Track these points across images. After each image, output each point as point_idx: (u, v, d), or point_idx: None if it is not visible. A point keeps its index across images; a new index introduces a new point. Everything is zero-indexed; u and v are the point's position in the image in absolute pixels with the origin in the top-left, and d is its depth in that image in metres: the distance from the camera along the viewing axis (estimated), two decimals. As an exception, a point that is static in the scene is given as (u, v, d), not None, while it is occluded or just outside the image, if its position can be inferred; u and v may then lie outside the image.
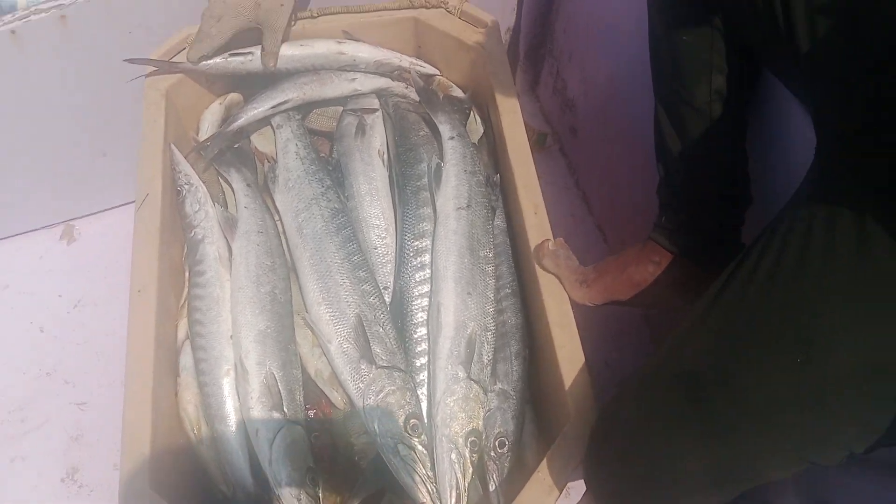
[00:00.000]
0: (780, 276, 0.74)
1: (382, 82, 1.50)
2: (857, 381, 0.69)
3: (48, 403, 1.68)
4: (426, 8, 1.46)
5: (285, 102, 1.41)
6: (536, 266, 1.19)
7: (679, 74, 1.00)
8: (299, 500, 1.06)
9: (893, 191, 0.69)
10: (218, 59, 1.39)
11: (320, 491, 1.10)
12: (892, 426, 0.70)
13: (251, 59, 1.39)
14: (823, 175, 0.79)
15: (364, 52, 1.46)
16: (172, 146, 1.36)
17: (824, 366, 0.70)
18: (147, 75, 1.39)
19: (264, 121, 1.44)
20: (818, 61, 0.79)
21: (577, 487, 1.08)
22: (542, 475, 1.02)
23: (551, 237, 1.20)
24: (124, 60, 1.35)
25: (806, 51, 0.80)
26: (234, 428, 1.14)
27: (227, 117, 1.44)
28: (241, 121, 1.39)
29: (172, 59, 1.40)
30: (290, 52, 1.41)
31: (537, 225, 1.22)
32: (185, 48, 1.42)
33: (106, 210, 1.92)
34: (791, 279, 0.74)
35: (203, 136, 1.43)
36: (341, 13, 1.47)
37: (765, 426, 0.74)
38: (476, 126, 1.45)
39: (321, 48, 1.43)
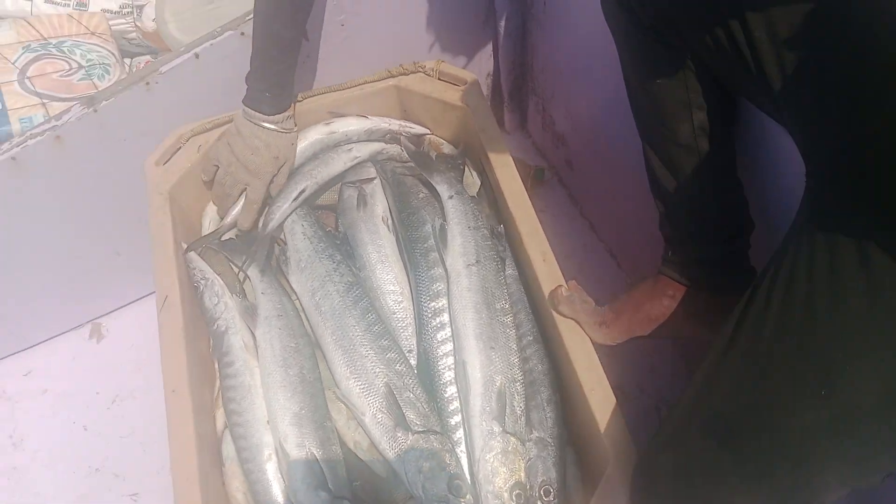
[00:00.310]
0: (791, 313, 0.76)
1: (377, 146, 1.54)
2: (880, 405, 0.71)
3: (101, 499, 1.71)
4: (405, 74, 1.50)
5: (302, 192, 1.45)
6: (554, 312, 1.21)
7: (660, 116, 1.02)
8: (357, 576, 1.08)
9: (887, 216, 0.71)
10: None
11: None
12: None
13: None
14: (818, 204, 0.81)
15: (353, 124, 1.51)
16: (183, 244, 1.40)
17: (847, 395, 0.72)
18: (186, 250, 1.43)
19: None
20: (791, 97, 0.82)
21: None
22: (589, 519, 1.04)
23: (563, 282, 1.22)
24: (185, 249, 1.41)
25: (778, 88, 0.82)
26: (284, 513, 1.17)
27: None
28: (274, 222, 1.43)
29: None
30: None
31: (547, 272, 1.24)
32: (179, 147, 1.47)
33: (128, 304, 1.97)
34: (803, 317, 0.75)
35: (205, 231, 1.48)
36: (325, 93, 1.51)
37: (802, 459, 0.76)
38: (472, 179, 1.49)
39: (313, 135, 1.49)
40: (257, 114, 1.35)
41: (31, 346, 1.95)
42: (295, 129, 1.44)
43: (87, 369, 1.91)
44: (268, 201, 1.46)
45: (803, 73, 0.80)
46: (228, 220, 1.44)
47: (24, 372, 1.93)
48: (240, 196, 1.43)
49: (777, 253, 0.83)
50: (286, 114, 1.39)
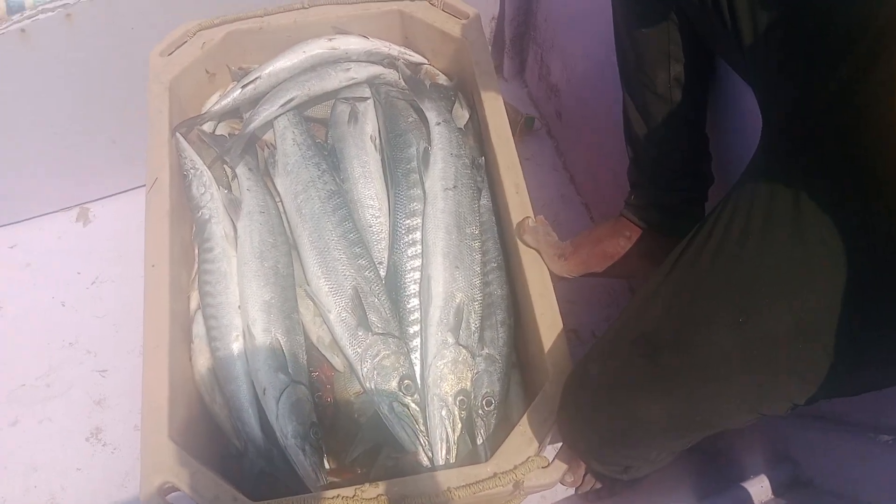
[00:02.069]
0: (725, 247, 0.84)
1: (375, 70, 1.59)
2: (788, 339, 0.78)
3: (72, 371, 1.81)
4: (411, 0, 1.55)
5: (291, 101, 1.51)
6: (519, 241, 1.29)
7: (640, 64, 1.09)
8: (304, 451, 1.17)
9: (822, 174, 0.77)
10: (236, 94, 1.51)
11: (323, 444, 1.21)
12: (824, 381, 0.79)
13: (260, 81, 1.52)
14: (767, 154, 0.88)
15: (354, 43, 1.56)
16: (178, 135, 1.46)
17: (761, 325, 0.80)
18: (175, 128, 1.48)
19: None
20: (759, 51, 0.88)
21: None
22: (522, 428, 1.13)
23: (532, 215, 1.30)
24: (174, 128, 1.45)
25: (749, 43, 0.89)
26: (244, 388, 1.25)
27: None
28: (256, 122, 1.49)
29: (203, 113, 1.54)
30: (289, 61, 1.53)
31: (519, 203, 1.32)
32: (185, 41, 1.51)
33: (118, 193, 2.03)
34: (735, 250, 0.83)
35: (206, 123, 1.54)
36: (330, 4, 1.56)
37: (712, 378, 0.84)
38: (462, 112, 1.55)
39: (315, 48, 1.54)
40: None
41: (19, 221, 2.01)
42: None
43: (71, 250, 1.98)
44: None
45: (773, 31, 0.86)
46: (217, 108, 1.50)
47: (10, 244, 2.00)
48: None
49: (724, 197, 0.90)
50: None
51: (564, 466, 1.14)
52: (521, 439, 1.13)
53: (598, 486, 1.42)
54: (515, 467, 1.10)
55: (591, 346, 1.04)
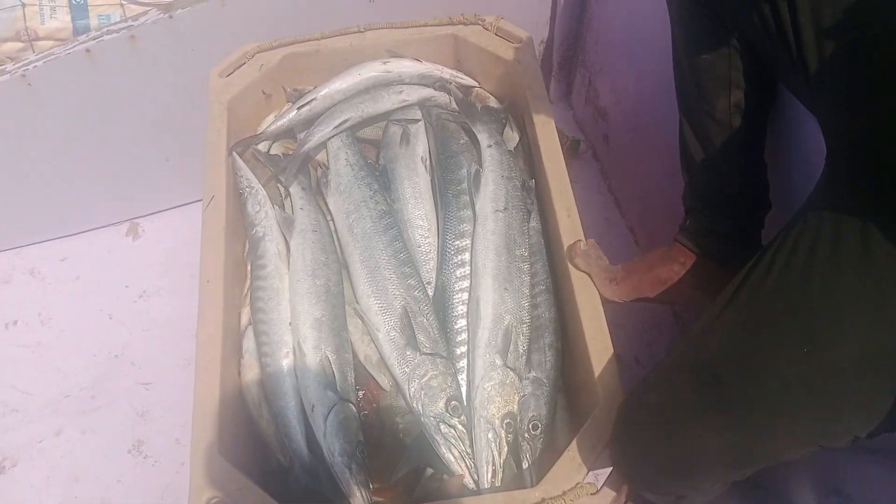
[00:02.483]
0: (789, 277, 0.83)
1: (427, 92, 1.62)
2: (856, 371, 0.77)
3: (116, 383, 1.84)
4: (464, 24, 1.57)
5: (345, 122, 1.54)
6: (569, 265, 1.28)
7: (701, 90, 1.09)
8: (350, 469, 1.17)
9: (891, 206, 0.77)
10: (291, 115, 1.54)
11: (369, 462, 1.21)
12: (890, 413, 0.78)
13: (315, 103, 1.55)
14: (833, 183, 0.87)
15: (407, 66, 1.59)
16: (235, 154, 1.49)
17: (827, 355, 0.78)
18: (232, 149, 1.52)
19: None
20: (825, 80, 0.88)
21: (605, 473, 1.17)
22: (571, 454, 1.12)
23: (583, 238, 1.29)
24: (231, 147, 1.49)
25: (814, 70, 0.88)
26: (292, 405, 1.26)
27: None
28: (311, 143, 1.52)
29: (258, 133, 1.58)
30: (344, 83, 1.56)
31: (570, 226, 1.32)
32: (244, 63, 1.55)
33: (167, 210, 2.07)
34: (800, 281, 0.82)
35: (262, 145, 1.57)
36: (385, 28, 1.59)
37: (776, 409, 0.83)
38: (512, 134, 1.56)
39: (369, 71, 1.57)
40: None
41: (71, 235, 2.07)
42: None
43: (120, 263, 2.03)
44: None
45: (838, 61, 0.85)
46: (272, 128, 1.53)
47: (61, 257, 2.05)
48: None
49: (786, 226, 0.89)
50: None
51: (613, 493, 1.12)
52: (570, 465, 1.12)
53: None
54: (564, 493, 1.09)
55: (647, 374, 1.02)
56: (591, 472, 1.13)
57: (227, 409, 1.22)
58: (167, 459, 1.72)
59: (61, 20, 1.71)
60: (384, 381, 1.31)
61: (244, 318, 1.38)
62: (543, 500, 1.08)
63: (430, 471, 1.24)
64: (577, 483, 1.09)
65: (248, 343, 1.35)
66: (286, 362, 1.29)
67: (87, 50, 1.58)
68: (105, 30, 1.57)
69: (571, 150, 2.02)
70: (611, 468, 1.11)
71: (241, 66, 1.55)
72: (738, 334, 0.88)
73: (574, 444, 1.13)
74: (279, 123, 1.54)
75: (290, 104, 1.58)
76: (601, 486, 1.11)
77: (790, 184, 1.15)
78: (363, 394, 1.32)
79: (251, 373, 1.32)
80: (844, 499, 1.21)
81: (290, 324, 1.33)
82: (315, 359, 1.26)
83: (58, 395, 1.84)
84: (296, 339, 1.30)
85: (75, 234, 2.06)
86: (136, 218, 2.08)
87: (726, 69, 1.05)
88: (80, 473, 1.72)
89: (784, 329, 0.83)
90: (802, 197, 0.92)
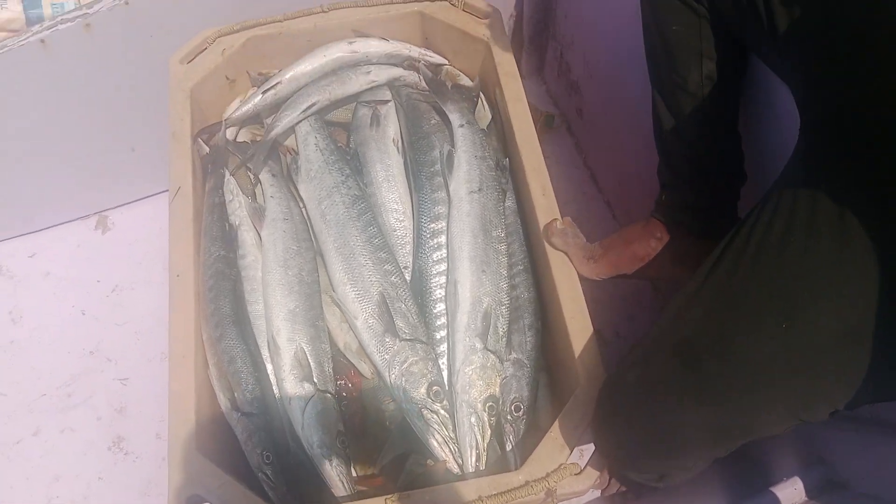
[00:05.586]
0: (766, 252, 0.82)
1: (396, 72, 1.58)
2: (835, 344, 0.77)
3: (93, 380, 1.80)
4: (431, 1, 1.53)
5: (312, 105, 1.50)
6: (546, 244, 1.27)
7: (671, 62, 1.07)
8: (331, 461, 1.16)
9: (871, 174, 0.76)
10: (257, 100, 1.50)
11: (350, 452, 1.20)
12: (869, 385, 0.78)
13: (280, 87, 1.51)
14: (807, 155, 0.86)
15: (374, 46, 1.55)
16: (200, 141, 1.45)
17: (806, 330, 0.78)
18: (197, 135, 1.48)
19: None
20: (798, 50, 0.86)
21: (590, 450, 1.17)
22: (554, 435, 1.12)
23: (559, 216, 1.28)
24: (196, 135, 1.46)
25: (785, 40, 0.87)
26: (271, 399, 1.24)
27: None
28: (278, 129, 1.48)
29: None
30: (310, 65, 1.52)
31: (546, 205, 1.30)
32: (205, 48, 1.51)
33: (136, 200, 2.03)
34: (776, 255, 0.81)
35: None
36: (350, 7, 1.55)
37: (755, 385, 0.82)
38: (484, 112, 1.53)
39: (335, 51, 1.53)
40: None
41: (39, 230, 2.01)
42: None
43: (91, 258, 1.98)
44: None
45: (812, 28, 0.84)
46: (238, 114, 1.49)
47: (30, 253, 2.00)
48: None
49: (762, 199, 0.88)
50: None
51: (597, 473, 1.12)
52: (553, 446, 1.11)
53: (624, 489, 1.41)
54: (548, 475, 1.09)
55: (628, 353, 1.02)
56: (575, 450, 1.13)
57: (204, 404, 1.20)
58: (148, 454, 1.69)
59: (13, 10, 1.64)
60: (365, 369, 1.29)
61: (220, 311, 1.35)
62: (527, 482, 1.08)
63: (413, 457, 1.23)
64: (561, 464, 1.09)
65: (222, 336, 1.32)
66: (264, 354, 1.27)
67: (42, 41, 1.52)
68: (59, 19, 1.51)
69: (545, 124, 1.99)
70: (593, 443, 1.11)
71: (202, 51, 1.50)
72: (716, 312, 0.87)
73: (556, 425, 1.12)
74: (245, 109, 1.50)
75: (255, 89, 1.54)
76: (585, 466, 1.11)
77: (765, 155, 1.14)
78: (342, 382, 1.30)
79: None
80: (827, 467, 1.22)
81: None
82: (289, 351, 1.24)
83: (34, 394, 1.80)
84: (269, 333, 1.28)
85: (43, 230, 2.01)
86: (104, 211, 2.03)
87: (697, 40, 1.03)
88: (61, 472, 1.70)
89: (762, 305, 0.82)
90: (778, 168, 0.91)
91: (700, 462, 1.03)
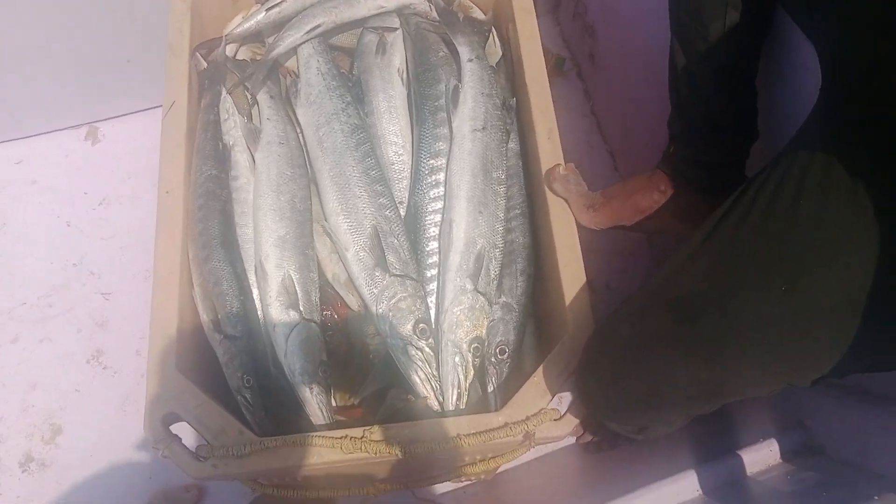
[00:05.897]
0: (774, 213, 0.80)
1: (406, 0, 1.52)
2: (833, 311, 0.76)
3: (74, 292, 1.78)
4: (447, -74, 1.46)
5: (317, 27, 1.43)
6: (546, 189, 1.24)
7: (695, 9, 1.02)
8: (311, 390, 1.15)
9: (886, 144, 0.73)
10: (260, 17, 1.44)
11: (332, 382, 1.19)
12: (861, 355, 0.77)
13: (285, 5, 1.44)
14: (824, 119, 0.83)
15: (387, -31, 1.47)
16: (198, 55, 1.39)
17: (806, 296, 0.76)
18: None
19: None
20: (826, 5, 0.82)
21: (568, 398, 1.17)
22: (537, 380, 1.11)
23: (563, 162, 1.24)
24: (194, 49, 1.39)
25: None
26: (256, 324, 1.22)
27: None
28: (280, 49, 1.42)
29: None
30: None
31: (550, 149, 1.27)
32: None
33: (129, 114, 1.97)
34: (785, 217, 0.79)
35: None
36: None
37: (749, 347, 0.81)
38: (495, 49, 1.47)
39: None
40: None
41: (27, 137, 1.96)
42: None
43: (78, 169, 1.93)
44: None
45: None
46: (239, 30, 1.43)
47: (16, 160, 1.95)
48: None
49: (773, 160, 0.85)
50: None
51: (576, 420, 1.12)
52: (535, 390, 1.11)
53: (597, 438, 1.42)
54: (528, 418, 1.09)
55: (621, 304, 1.00)
56: (556, 397, 1.13)
57: (186, 324, 1.18)
58: (127, 370, 1.69)
59: None
60: (352, 301, 1.28)
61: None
62: (507, 423, 1.08)
63: (394, 391, 1.23)
64: (542, 409, 1.09)
65: (210, 257, 1.30)
66: (251, 278, 1.25)
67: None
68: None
69: (555, 67, 1.94)
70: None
71: (206, -34, 1.43)
72: (717, 269, 0.86)
73: (540, 370, 1.12)
74: (246, 26, 1.44)
75: (259, 5, 1.47)
76: (564, 413, 1.11)
77: (780, 115, 1.11)
78: (330, 313, 1.29)
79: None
80: (805, 431, 1.23)
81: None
82: (277, 277, 1.22)
83: (13, 302, 1.78)
84: (258, 257, 1.25)
85: (31, 137, 1.96)
86: (95, 122, 1.97)
87: None
88: (38, 381, 1.70)
89: (764, 266, 0.80)
90: (791, 129, 0.88)
91: (682, 417, 1.04)
